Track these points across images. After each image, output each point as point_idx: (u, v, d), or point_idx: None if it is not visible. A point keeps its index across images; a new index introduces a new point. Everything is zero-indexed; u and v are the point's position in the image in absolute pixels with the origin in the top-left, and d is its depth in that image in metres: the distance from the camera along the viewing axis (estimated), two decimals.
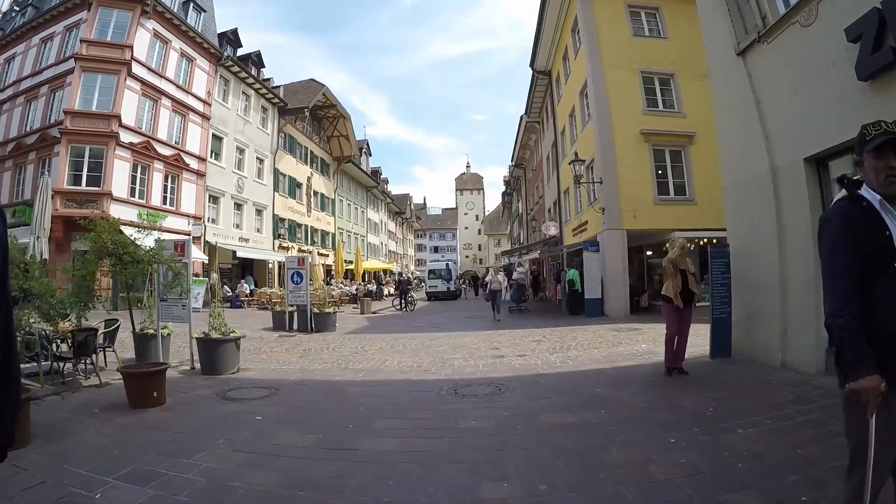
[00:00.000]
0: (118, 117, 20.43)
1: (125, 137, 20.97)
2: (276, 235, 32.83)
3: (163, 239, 10.02)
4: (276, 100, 33.35)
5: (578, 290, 17.67)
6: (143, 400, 6.46)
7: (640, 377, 7.52)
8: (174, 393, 6.94)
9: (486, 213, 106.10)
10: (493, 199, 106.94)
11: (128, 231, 19.34)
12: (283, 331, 14.70)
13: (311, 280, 22.23)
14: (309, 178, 38.95)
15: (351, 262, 38.39)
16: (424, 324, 17.36)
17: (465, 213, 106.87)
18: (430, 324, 17.29)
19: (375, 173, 59.87)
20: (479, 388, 7.05)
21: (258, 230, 30.94)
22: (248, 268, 29.41)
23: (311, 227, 39.25)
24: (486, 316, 19.60)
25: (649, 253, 19.63)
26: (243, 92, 30.19)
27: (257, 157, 31.38)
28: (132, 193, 21.34)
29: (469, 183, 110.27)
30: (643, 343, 10.64)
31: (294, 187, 36.47)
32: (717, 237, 16.67)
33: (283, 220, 34.11)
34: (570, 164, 18.32)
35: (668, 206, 17.32)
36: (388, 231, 69.40)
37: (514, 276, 24.26)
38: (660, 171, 17.60)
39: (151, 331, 9.67)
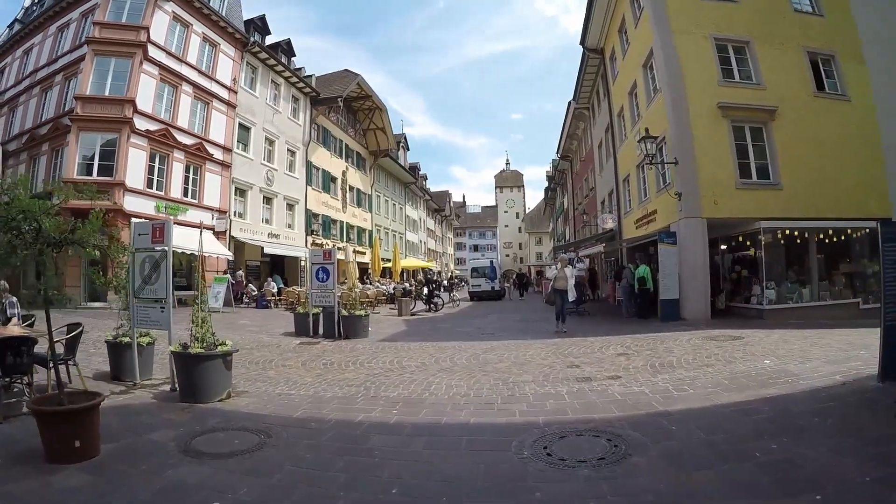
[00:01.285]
0: (132, 102, 18.62)
1: (141, 124, 19.17)
2: (310, 231, 30.86)
3: (137, 221, 7.75)
4: (307, 89, 31.37)
5: (650, 289, 15.24)
6: (61, 452, 4.26)
7: (814, 415, 4.97)
8: (123, 434, 4.90)
9: (527, 211, 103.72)
10: (532, 198, 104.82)
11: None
12: (307, 336, 12.41)
13: (344, 278, 20.22)
14: (344, 173, 36.99)
15: (389, 259, 36.22)
16: (472, 328, 14.84)
17: (505, 211, 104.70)
18: (478, 328, 14.76)
19: (413, 169, 57.66)
20: (582, 443, 4.47)
21: (289, 225, 28.99)
22: (278, 265, 27.45)
23: (347, 223, 37.26)
24: (544, 319, 16.99)
25: (724, 247, 16.80)
26: (272, 80, 28.27)
27: (288, 149, 29.46)
28: (149, 184, 19.54)
29: (509, 180, 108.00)
30: (764, 358, 8.05)
31: (328, 181, 34.53)
32: (809, 228, 14.51)
33: (316, 215, 32.14)
34: (639, 141, 15.63)
35: (751, 192, 14.82)
36: (427, 229, 67.18)
37: (548, 274, 21.46)
38: (740, 151, 15.15)
39: (126, 339, 7.36)
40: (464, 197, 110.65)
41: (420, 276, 25.19)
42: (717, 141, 14.91)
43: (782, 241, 14.50)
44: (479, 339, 12.21)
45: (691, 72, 15.29)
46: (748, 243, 15.45)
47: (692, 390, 6.32)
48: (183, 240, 19.66)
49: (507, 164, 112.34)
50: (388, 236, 45.87)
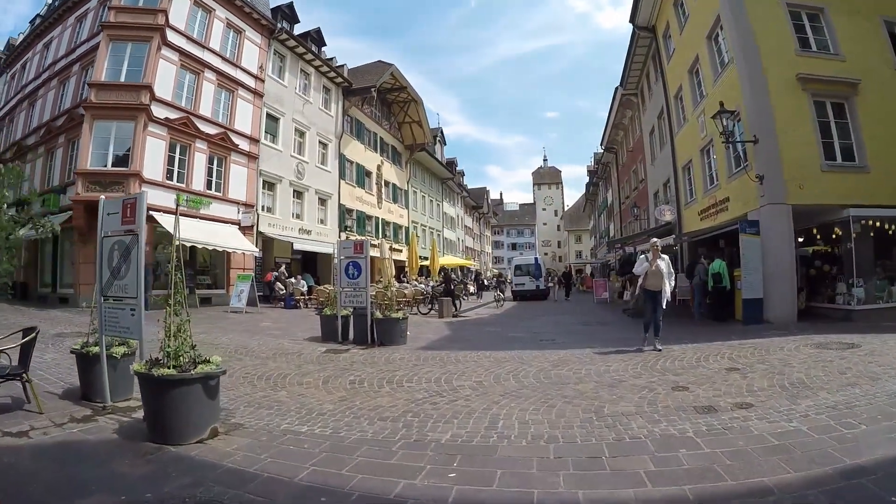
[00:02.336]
0: (149, 88, 17.19)
1: (159, 112, 17.76)
2: (343, 227, 29.24)
3: (105, 198, 5.99)
4: (339, 79, 29.73)
5: (726, 287, 13.26)
6: None
7: None
8: (46, 497, 3.25)
9: (566, 209, 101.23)
10: (569, 196, 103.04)
11: (164, 220, 16.14)
12: (334, 342, 10.54)
13: (379, 277, 18.64)
14: (379, 167, 35.34)
15: (426, 258, 34.39)
16: (526, 333, 12.75)
17: (544, 209, 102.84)
18: (533, 333, 12.67)
19: (450, 164, 55.72)
20: None
21: (321, 221, 27.37)
22: (310, 263, 25.87)
23: (383, 219, 35.58)
24: (605, 322, 14.98)
25: (800, 239, 14.48)
26: (302, 70, 26.72)
27: (320, 141, 27.89)
28: (169, 176, 18.11)
29: (547, 177, 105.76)
30: None
31: (363, 176, 32.90)
32: None
33: (350, 210, 30.51)
34: (713, 117, 13.58)
35: (837, 175, 13.10)
36: (465, 226, 65.17)
37: (637, 269, 18.94)
38: (822, 129, 13.41)
39: (96, 349, 5.71)
40: (501, 195, 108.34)
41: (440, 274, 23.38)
42: (798, 117, 13.24)
43: (871, 232, 12.57)
44: (540, 346, 10.12)
45: (765, 40, 13.65)
46: (832, 234, 13.64)
47: (863, 425, 4.42)
48: (207, 234, 18.33)
49: (545, 160, 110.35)
50: (425, 233, 44.08)
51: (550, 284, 32.39)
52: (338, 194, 29.01)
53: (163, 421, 4.47)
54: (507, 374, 7.14)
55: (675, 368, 7.26)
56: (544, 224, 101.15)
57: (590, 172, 58.93)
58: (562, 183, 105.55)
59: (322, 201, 27.71)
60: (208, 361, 4.79)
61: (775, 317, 12.10)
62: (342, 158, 30.00)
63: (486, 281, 39.94)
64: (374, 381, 6.82)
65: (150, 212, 16.79)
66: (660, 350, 8.63)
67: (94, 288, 5.98)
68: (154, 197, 17.09)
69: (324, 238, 26.77)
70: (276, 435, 4.66)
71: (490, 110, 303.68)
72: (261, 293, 21.54)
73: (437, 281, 23.02)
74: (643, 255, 8.80)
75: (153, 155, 17.42)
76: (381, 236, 34.59)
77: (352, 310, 10.95)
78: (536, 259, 33.61)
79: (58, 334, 10.70)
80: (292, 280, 20.73)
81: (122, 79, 17.45)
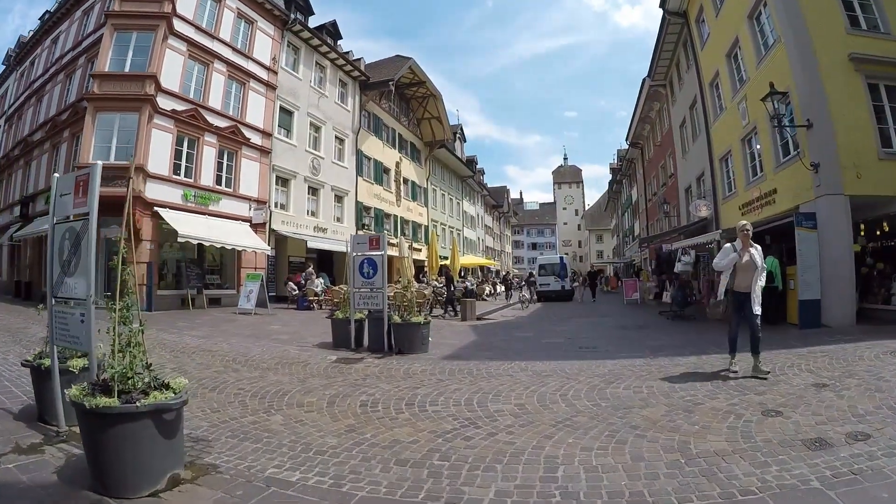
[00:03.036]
0: (154, 77, 16.23)
1: (166, 104, 16.80)
2: (361, 225, 28.14)
3: (59, 176, 4.84)
4: (356, 73, 28.68)
5: (779, 287, 11.95)
6: None
7: None
8: None
9: (586, 208, 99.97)
10: (589, 196, 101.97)
11: (169, 216, 15.19)
12: (347, 349, 9.36)
13: (398, 277, 17.44)
14: (398, 164, 34.24)
15: (445, 257, 33.17)
16: (560, 339, 11.43)
17: (564, 208, 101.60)
18: (568, 339, 11.36)
19: (470, 162, 54.44)
20: None
21: (338, 219, 26.32)
22: (326, 263, 24.82)
23: (402, 217, 34.48)
24: (643, 325, 13.66)
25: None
26: (317, 63, 25.69)
27: (336, 136, 26.84)
28: (176, 170, 17.14)
29: (567, 176, 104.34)
30: None
31: (381, 172, 31.85)
32: None
33: (367, 208, 29.43)
34: (763, 99, 12.30)
35: (895, 164, 11.90)
36: (485, 225, 63.81)
37: (679, 268, 17.55)
38: (877, 114, 12.31)
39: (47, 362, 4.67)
40: (521, 194, 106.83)
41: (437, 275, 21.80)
42: (852, 100, 12.19)
43: None
44: (581, 355, 8.81)
45: (814, 17, 12.58)
46: (885, 229, 12.79)
47: None
48: (217, 232, 17.33)
49: (565, 159, 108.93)
50: (444, 232, 42.88)
51: (576, 284, 30.93)
52: (355, 191, 27.94)
53: (103, 466, 3.30)
54: (554, 394, 5.85)
55: (752, 385, 5.94)
56: (565, 223, 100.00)
57: (613, 170, 57.41)
58: (582, 182, 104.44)
59: (338, 198, 26.66)
60: (167, 387, 3.58)
61: (834, 320, 10.94)
62: (360, 154, 28.93)
63: (514, 281, 38.56)
64: (391, 403, 5.58)
65: (156, 207, 15.98)
66: (766, 375, 6.17)
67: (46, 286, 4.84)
68: (159, 192, 16.24)
69: (340, 236, 25.66)
70: (256, 486, 3.45)
71: (508, 110, 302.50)
72: (273, 293, 20.60)
73: (439, 282, 21.57)
74: (729, 245, 6.85)
75: (159, 148, 16.47)
76: (399, 235, 33.50)
77: (366, 313, 9.77)
78: (562, 258, 32.23)
79: (46, 338, 9.67)
80: (319, 280, 19.62)
81: (127, 69, 16.52)
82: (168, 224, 15.35)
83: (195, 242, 15.83)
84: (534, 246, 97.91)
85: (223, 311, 16.33)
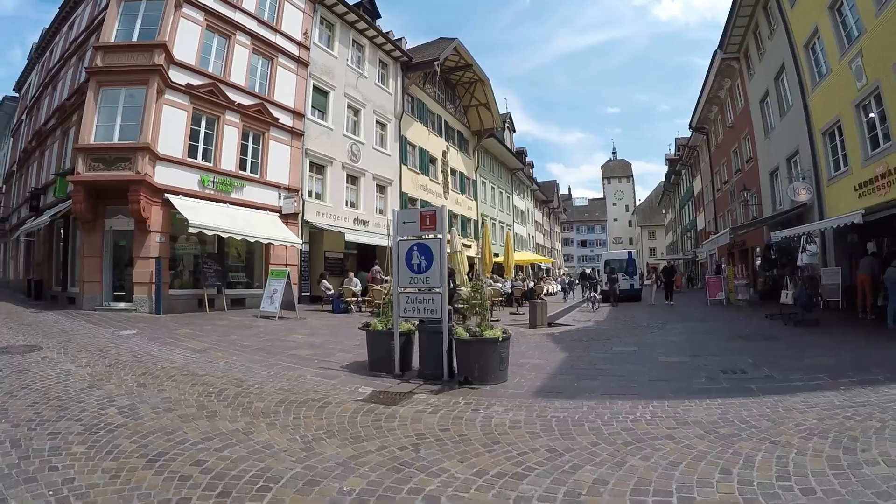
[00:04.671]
0: (163, 47, 13.93)
1: (179, 77, 14.55)
2: None
3: None
4: (397, 52, 26.00)
5: None
6: None
7: None
8: None
9: (637, 204, 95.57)
10: (637, 193, 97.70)
11: (181, 204, 12.78)
12: (388, 375, 6.60)
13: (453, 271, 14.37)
14: (444, 153, 31.48)
15: (497, 254, 30.22)
16: (683, 356, 8.40)
17: (614, 204, 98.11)
18: (692, 355, 8.42)
19: (520, 154, 51.20)
20: None
21: (380, 211, 23.67)
22: (368, 259, 22.23)
23: (450, 210, 31.62)
24: (768, 335, 10.58)
25: None
26: (354, 41, 23.14)
27: (377, 121, 24.25)
28: (191, 153, 14.82)
29: (617, 170, 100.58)
30: None
31: (426, 162, 29.14)
32: None
33: (413, 200, 26.73)
34: None
35: None
36: (535, 221, 60.29)
37: (804, 259, 14.17)
38: None
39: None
40: (569, 189, 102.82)
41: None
42: None
43: None
44: (740, 387, 5.83)
45: None
46: None
47: None
48: (240, 223, 14.89)
49: (614, 153, 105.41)
50: (495, 227, 39.87)
51: (647, 282, 27.19)
52: (399, 181, 25.28)
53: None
54: (774, 482, 2.82)
55: None
56: (615, 220, 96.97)
57: (670, 161, 53.38)
58: (632, 176, 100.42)
59: (381, 188, 24.05)
60: None
61: None
62: (403, 141, 26.28)
63: (576, 279, 35.29)
64: None
65: (167, 194, 13.67)
66: None
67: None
68: (172, 177, 14.03)
69: (383, 230, 23.04)
70: None
71: (549, 107, 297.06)
72: (308, 293, 18.08)
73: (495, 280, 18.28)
74: None
75: (171, 127, 14.18)
76: (448, 229, 30.67)
77: (416, 323, 6.94)
78: (630, 254, 28.66)
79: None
80: (388, 280, 16.90)
81: (135, 38, 14.29)
82: (181, 214, 13.00)
83: (210, 234, 13.41)
84: (583, 243, 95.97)
85: (245, 314, 13.85)
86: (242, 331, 10.58)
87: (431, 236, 6.82)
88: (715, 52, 24.43)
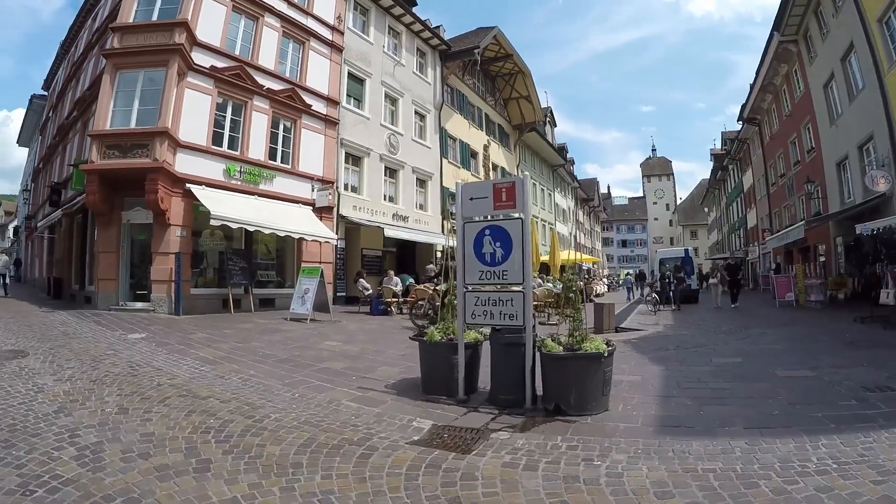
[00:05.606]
0: (185, 25, 12.68)
1: (203, 59, 13.30)
2: (448, 214, 23.87)
3: None
4: (435, 40, 24.44)
5: None
6: None
7: None
8: None
9: (678, 202, 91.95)
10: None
11: (203, 195, 11.43)
12: (448, 400, 5.00)
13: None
14: (486, 147, 29.81)
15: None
16: (798, 367, 6.72)
17: (654, 203, 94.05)
18: (813, 367, 6.69)
19: (561, 150, 49.15)
20: None
21: (420, 206, 22.13)
22: (408, 257, 20.75)
23: None
24: (874, 342, 8.56)
25: None
26: (390, 27, 21.69)
27: (416, 111, 22.73)
28: (216, 140, 13.53)
29: (657, 168, 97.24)
30: None
31: (468, 156, 27.51)
32: None
33: (454, 195, 25.06)
34: None
35: None
36: (577, 220, 57.95)
37: None
38: None
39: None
40: (608, 188, 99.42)
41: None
42: None
43: None
44: None
45: None
46: None
47: None
48: (270, 216, 13.42)
49: (654, 150, 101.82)
50: (537, 226, 37.93)
51: (713, 281, 24.68)
52: (440, 175, 23.69)
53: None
54: None
55: None
56: (655, 219, 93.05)
57: (716, 156, 50.53)
58: (673, 174, 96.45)
59: (421, 182, 22.51)
60: None
61: None
62: (443, 133, 24.71)
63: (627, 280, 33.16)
64: None
65: (188, 185, 12.37)
66: None
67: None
68: (194, 165, 12.78)
69: (424, 227, 21.52)
70: None
71: (584, 106, 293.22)
72: (343, 293, 16.59)
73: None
74: None
75: (194, 113, 12.92)
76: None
77: (486, 332, 5.32)
78: (687, 251, 26.37)
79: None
80: (362, 281, 15.42)
81: (154, 18, 13.11)
82: (205, 206, 11.67)
83: (235, 227, 12.04)
84: (623, 243, 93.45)
85: (273, 316, 12.38)
86: (267, 336, 9.07)
87: (511, 216, 5.17)
88: (771, 35, 22.52)
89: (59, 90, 21.55)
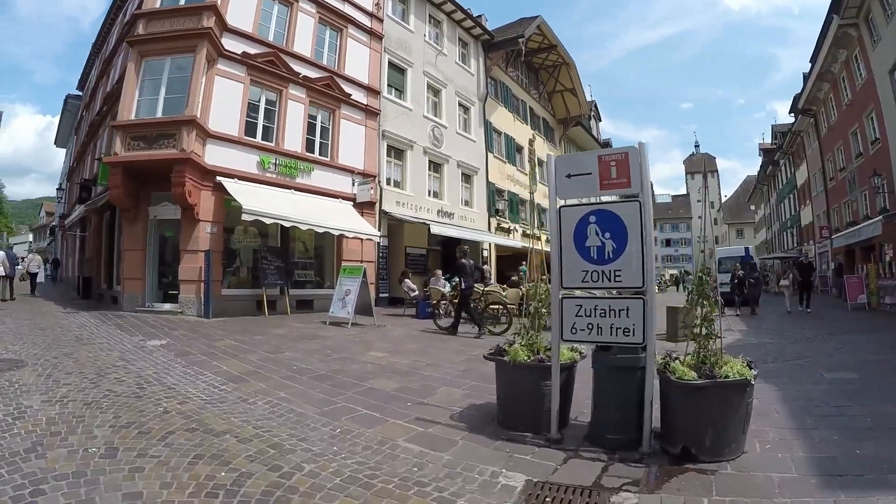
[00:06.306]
0: (213, 8, 11.73)
1: (234, 46, 12.36)
2: (494, 211, 22.54)
3: None
4: (477, 30, 23.17)
5: None
6: None
7: None
8: None
9: (723, 200, 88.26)
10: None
11: (235, 188, 10.71)
12: (532, 438, 3.78)
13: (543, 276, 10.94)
14: (531, 141, 27.23)
15: None
16: None
17: (698, 200, 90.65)
18: None
19: (606, 145, 47.16)
20: None
21: (466, 202, 20.87)
22: (453, 256, 19.44)
23: (539, 204, 28.43)
24: None
25: None
26: (431, 16, 20.54)
27: (460, 103, 21.50)
28: (249, 131, 12.55)
29: (700, 164, 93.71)
30: None
31: (513, 150, 26.13)
32: None
33: (501, 191, 23.79)
34: None
35: None
36: None
37: None
38: None
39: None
40: (651, 185, 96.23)
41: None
42: None
43: None
44: None
45: None
46: None
47: None
48: (308, 211, 12.22)
49: (696, 146, 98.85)
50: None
51: (784, 282, 22.34)
52: (485, 169, 22.38)
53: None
54: None
55: None
56: (699, 217, 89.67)
57: (765, 151, 47.66)
58: (717, 171, 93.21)
59: (466, 177, 21.23)
60: None
61: None
62: (488, 126, 23.39)
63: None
64: None
65: (219, 177, 11.39)
66: None
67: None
68: (226, 157, 11.83)
69: (470, 224, 20.21)
70: None
71: (622, 104, 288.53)
72: (384, 293, 15.43)
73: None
74: None
75: (225, 101, 11.99)
76: (537, 226, 27.54)
77: (584, 350, 4.11)
78: (747, 250, 24.29)
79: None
80: (485, 279, 14.17)
81: (182, 2, 12.23)
82: (237, 201, 10.66)
83: (269, 222, 10.98)
84: (667, 242, 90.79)
85: (311, 319, 11.24)
86: (303, 344, 7.90)
87: (627, 199, 3.88)
88: (828, 19, 20.61)
89: (92, 88, 21.18)
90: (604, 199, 4.11)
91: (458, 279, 10.75)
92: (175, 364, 6.02)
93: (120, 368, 5.70)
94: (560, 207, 4.09)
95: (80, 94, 25.09)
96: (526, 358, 4.03)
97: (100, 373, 5.46)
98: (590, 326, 3.76)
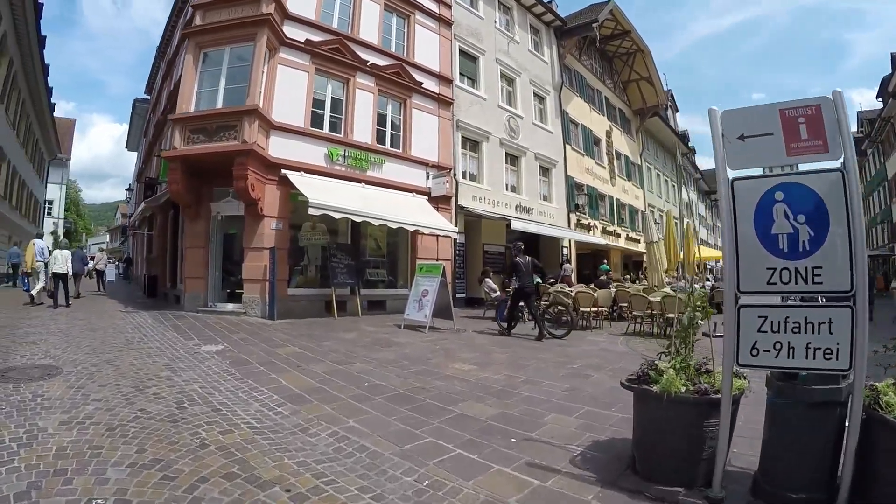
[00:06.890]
0: None
1: (296, 33, 11.62)
2: (574, 206, 20.96)
3: None
4: (548, 16, 21.72)
5: None
6: None
7: None
8: None
9: None
10: None
11: (301, 182, 9.88)
12: (683, 496, 2.42)
13: (641, 276, 9.17)
14: (609, 133, 26.50)
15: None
16: None
17: None
18: None
19: (684, 137, 44.35)
20: None
21: (545, 197, 19.41)
22: (530, 252, 18.05)
23: (618, 199, 26.58)
24: None
25: None
26: (500, 2, 19.33)
27: (535, 93, 20.14)
28: (315, 122, 11.76)
29: None
30: None
31: (591, 142, 24.36)
32: None
33: (580, 185, 22.16)
34: None
35: None
36: (699, 215, 52.16)
37: None
38: None
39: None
40: None
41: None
42: None
43: None
44: None
45: None
46: None
47: None
48: (380, 206, 11.27)
49: None
50: (662, 221, 33.80)
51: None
52: (563, 162, 20.86)
53: None
54: None
55: None
56: None
57: (854, 140, 43.32)
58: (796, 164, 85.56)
59: (544, 170, 19.79)
60: None
61: None
62: (565, 117, 21.83)
63: None
64: None
65: (284, 171, 10.60)
66: None
67: None
68: (291, 150, 11.04)
69: (549, 220, 18.75)
70: None
71: (692, 96, 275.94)
72: (461, 293, 14.27)
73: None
74: None
75: (289, 91, 11.25)
76: (616, 222, 25.67)
77: (749, 374, 2.64)
78: None
79: None
80: (488, 280, 12.94)
81: None
82: (304, 195, 9.84)
83: (338, 216, 10.09)
84: None
85: (383, 321, 10.22)
86: (376, 352, 6.84)
87: (823, 166, 2.56)
88: None
89: (157, 90, 21.41)
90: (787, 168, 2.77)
91: (510, 279, 9.56)
92: (227, 376, 5.07)
93: (163, 380, 4.80)
94: (733, 180, 2.73)
95: (148, 97, 25.58)
96: (680, 388, 2.70)
97: (138, 385, 4.57)
98: (777, 346, 2.46)
